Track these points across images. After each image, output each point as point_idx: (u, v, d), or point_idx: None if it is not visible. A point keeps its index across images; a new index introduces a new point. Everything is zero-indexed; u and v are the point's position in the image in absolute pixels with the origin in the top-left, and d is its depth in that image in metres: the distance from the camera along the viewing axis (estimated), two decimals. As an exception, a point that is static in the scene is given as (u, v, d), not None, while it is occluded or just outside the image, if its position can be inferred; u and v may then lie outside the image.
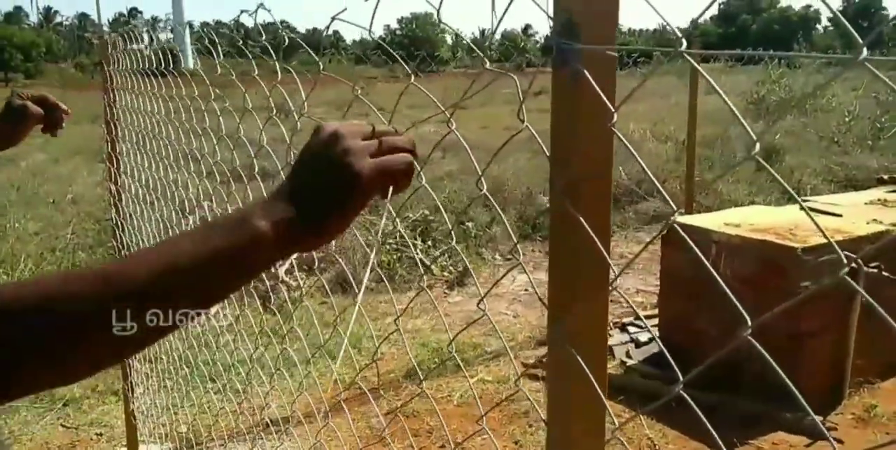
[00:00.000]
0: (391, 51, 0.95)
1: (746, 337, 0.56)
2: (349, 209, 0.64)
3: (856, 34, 0.48)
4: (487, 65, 0.79)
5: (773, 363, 0.58)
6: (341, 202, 0.63)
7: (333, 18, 0.89)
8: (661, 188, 0.63)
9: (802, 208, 0.53)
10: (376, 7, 0.83)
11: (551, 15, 0.70)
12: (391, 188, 0.67)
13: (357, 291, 5.09)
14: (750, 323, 0.55)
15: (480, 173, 0.82)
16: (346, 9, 0.88)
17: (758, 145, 0.53)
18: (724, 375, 3.49)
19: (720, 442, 0.64)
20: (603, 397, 0.70)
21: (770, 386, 3.42)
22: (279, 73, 1.24)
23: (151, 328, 0.57)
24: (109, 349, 0.58)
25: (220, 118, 1.81)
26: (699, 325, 3.65)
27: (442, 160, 9.52)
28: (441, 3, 0.89)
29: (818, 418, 3.41)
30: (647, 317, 4.78)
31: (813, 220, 0.58)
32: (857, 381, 3.70)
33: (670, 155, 9.55)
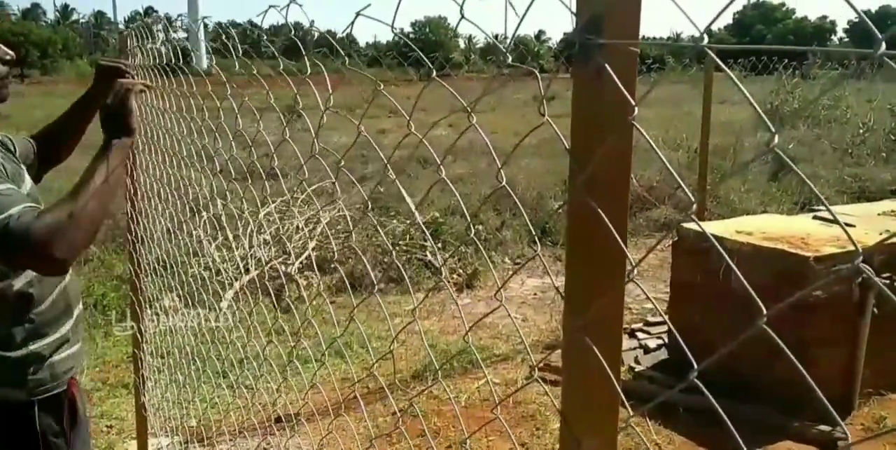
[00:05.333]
0: (416, 50, 0.96)
1: (762, 326, 0.57)
2: (133, 129, 1.60)
3: (875, 29, 0.50)
4: (510, 59, 0.80)
5: (801, 367, 0.59)
6: (129, 126, 1.59)
7: (358, 14, 0.91)
8: (679, 180, 0.64)
9: (827, 209, 0.54)
10: (399, 4, 0.85)
11: (574, 11, 0.71)
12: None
13: (359, 292, 5.10)
14: (765, 311, 0.56)
15: (500, 166, 0.84)
16: (369, 5, 0.89)
17: (777, 137, 0.54)
18: (732, 383, 3.49)
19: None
20: (617, 386, 0.71)
21: (778, 395, 3.41)
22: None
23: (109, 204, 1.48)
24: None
25: (233, 117, 1.83)
26: (708, 332, 3.64)
27: (453, 164, 9.54)
28: (463, 4, 0.91)
29: (827, 428, 3.40)
30: (657, 324, 4.77)
31: (836, 219, 0.59)
32: (866, 391, 3.68)
33: (682, 163, 9.53)
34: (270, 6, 1.18)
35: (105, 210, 1.42)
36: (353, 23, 0.99)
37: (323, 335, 2.85)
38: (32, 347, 1.62)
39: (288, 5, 1.11)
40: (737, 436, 0.63)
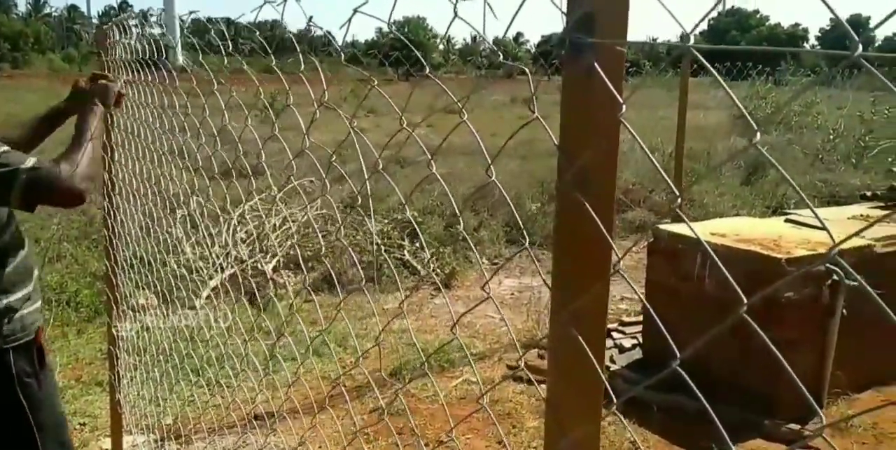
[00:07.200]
0: (418, 53, 0.97)
1: (742, 315, 0.59)
2: (111, 102, 2.14)
3: (852, 32, 0.52)
4: (501, 57, 0.82)
5: (781, 358, 0.62)
6: (107, 100, 2.11)
7: (356, 11, 0.92)
8: (665, 176, 0.66)
9: (811, 209, 0.57)
10: (395, 3, 0.86)
11: (564, 11, 0.74)
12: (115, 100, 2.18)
13: (342, 291, 5.10)
14: (746, 300, 0.59)
15: (489, 163, 0.86)
16: (367, 1, 0.91)
17: (759, 135, 0.57)
18: (704, 384, 3.54)
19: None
20: (602, 375, 0.73)
21: (749, 393, 3.48)
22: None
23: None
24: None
25: (208, 115, 1.83)
26: (683, 331, 3.70)
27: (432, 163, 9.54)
28: (456, 4, 0.92)
29: (796, 426, 3.47)
30: (631, 324, 4.83)
31: (819, 218, 0.62)
32: (835, 392, 3.76)
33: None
34: (266, 1, 1.18)
35: (99, 154, 2.01)
36: (350, 20, 0.99)
37: (301, 333, 2.83)
38: (4, 301, 1.90)
39: (285, 1, 1.12)
40: (724, 433, 0.65)
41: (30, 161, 1.70)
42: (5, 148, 1.72)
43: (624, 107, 0.69)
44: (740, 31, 65.68)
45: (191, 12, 1.89)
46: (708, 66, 0.64)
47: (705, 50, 0.65)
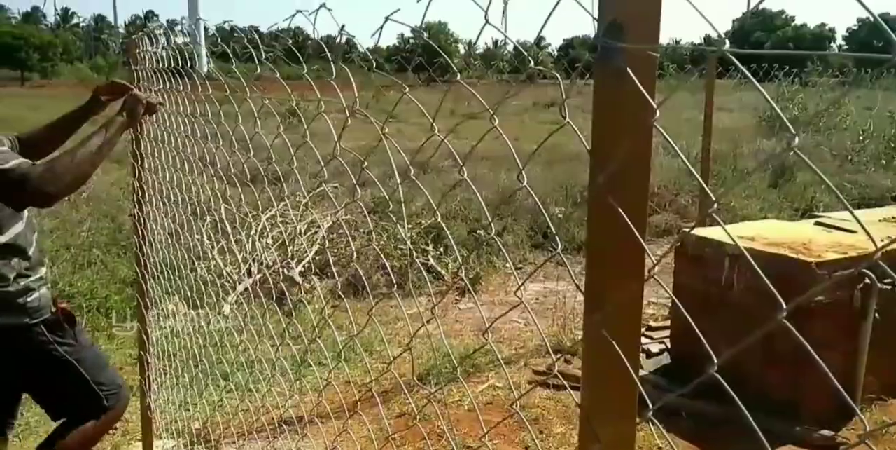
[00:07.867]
0: (448, 60, 0.98)
1: (781, 321, 0.59)
2: (138, 115, 2.24)
3: (892, 33, 0.52)
4: (532, 64, 0.82)
5: (823, 366, 0.61)
6: (135, 113, 2.22)
7: (387, 19, 0.93)
8: (701, 182, 0.66)
9: (850, 211, 0.56)
10: (427, 8, 0.87)
11: (595, 16, 0.74)
12: (145, 110, 2.27)
13: (367, 295, 5.12)
14: (785, 306, 0.58)
15: (522, 167, 0.86)
16: (399, 9, 0.92)
17: (797, 139, 0.57)
18: (733, 388, 3.49)
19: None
20: (636, 379, 0.73)
21: (775, 399, 3.43)
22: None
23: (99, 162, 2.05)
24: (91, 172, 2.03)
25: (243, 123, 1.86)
26: (710, 336, 3.65)
27: (454, 169, 9.58)
28: (487, 9, 0.93)
29: (829, 432, 3.41)
30: (658, 328, 4.79)
31: (861, 223, 0.61)
32: (868, 397, 3.69)
33: (682, 169, 9.57)
34: (298, 11, 1.20)
35: (91, 167, 2.00)
36: (381, 28, 1.01)
37: (328, 339, 2.85)
38: (24, 282, 2.15)
39: (317, 10, 1.13)
40: (764, 440, 0.64)
41: (11, 162, 1.84)
42: (3, 148, 1.91)
43: (658, 112, 0.69)
44: (765, 31, 64.93)
45: (224, 21, 1.92)
46: (744, 70, 0.64)
47: (745, 52, 0.65)
